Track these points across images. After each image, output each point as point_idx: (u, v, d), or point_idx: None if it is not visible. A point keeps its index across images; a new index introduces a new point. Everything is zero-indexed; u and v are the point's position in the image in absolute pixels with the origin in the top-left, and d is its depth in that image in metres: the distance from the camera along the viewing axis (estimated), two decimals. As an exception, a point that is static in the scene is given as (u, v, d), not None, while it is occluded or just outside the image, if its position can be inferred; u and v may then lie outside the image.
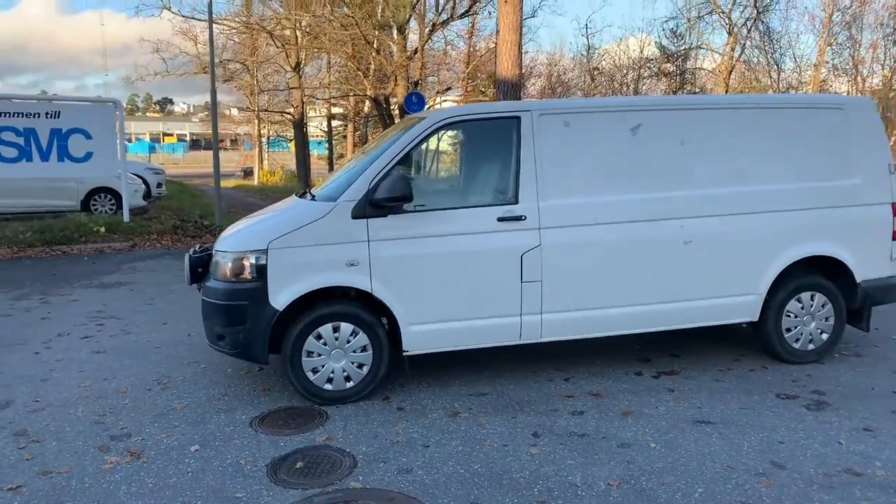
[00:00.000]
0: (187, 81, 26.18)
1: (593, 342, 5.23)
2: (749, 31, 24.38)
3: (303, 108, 27.70)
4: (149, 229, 12.28)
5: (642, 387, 4.68)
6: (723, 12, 24.17)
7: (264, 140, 39.95)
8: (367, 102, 21.10)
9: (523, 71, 28.29)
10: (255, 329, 4.24)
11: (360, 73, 19.38)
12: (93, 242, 11.65)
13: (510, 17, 12.30)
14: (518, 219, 4.47)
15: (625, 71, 25.84)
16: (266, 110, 30.83)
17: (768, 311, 4.99)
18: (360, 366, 4.42)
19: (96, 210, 13.46)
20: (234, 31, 23.49)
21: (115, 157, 12.14)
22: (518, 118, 4.57)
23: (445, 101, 24.74)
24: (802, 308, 5.05)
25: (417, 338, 4.46)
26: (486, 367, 5.04)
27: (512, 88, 12.53)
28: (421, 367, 5.00)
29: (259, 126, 37.61)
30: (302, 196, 4.89)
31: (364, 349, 4.40)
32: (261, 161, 38.26)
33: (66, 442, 3.90)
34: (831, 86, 22.45)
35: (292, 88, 24.90)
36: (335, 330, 4.34)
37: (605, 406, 4.33)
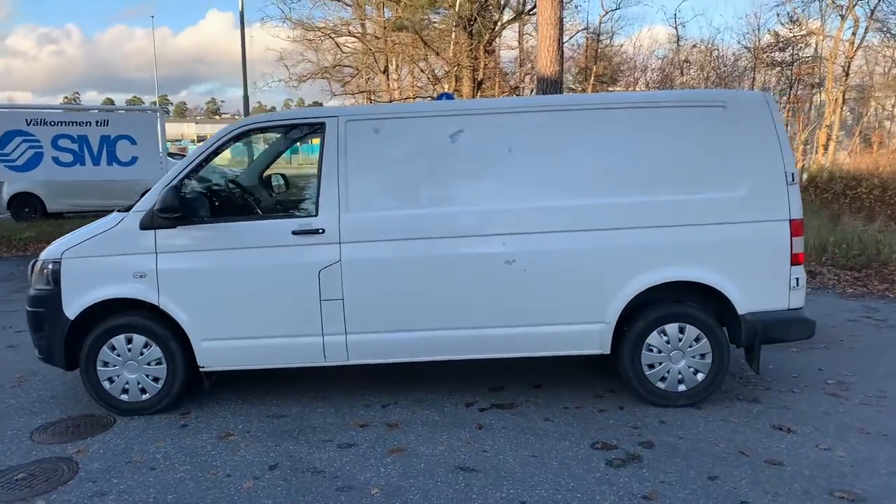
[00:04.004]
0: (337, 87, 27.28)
1: (462, 364, 4.71)
2: (873, 11, 21.48)
3: (390, 110, 28.31)
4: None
5: (455, 420, 4.21)
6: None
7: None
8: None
9: (616, 65, 26.91)
10: (53, 336, 4.31)
11: (423, 74, 19.42)
12: (133, 240, 12.61)
13: (548, 12, 11.72)
14: (315, 232, 4.18)
15: (724, 62, 23.70)
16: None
17: (625, 343, 4.30)
18: (156, 379, 4.35)
19: (150, 210, 14.54)
20: (319, 36, 24.43)
21: (157, 161, 13.02)
22: (323, 125, 4.27)
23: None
24: (668, 342, 4.29)
25: (211, 354, 4.31)
26: (320, 387, 4.79)
27: (552, 86, 11.94)
28: (251, 382, 4.84)
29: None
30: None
31: (159, 362, 4.34)
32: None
33: None
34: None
35: (360, 92, 25.45)
36: (128, 341, 4.31)
37: (385, 440, 3.94)
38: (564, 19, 23.36)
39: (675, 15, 34.06)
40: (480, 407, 4.41)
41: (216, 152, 4.31)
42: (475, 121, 4.26)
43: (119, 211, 4.51)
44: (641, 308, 4.29)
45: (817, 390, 4.58)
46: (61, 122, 12.49)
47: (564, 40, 23.30)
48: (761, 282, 4.22)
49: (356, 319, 4.24)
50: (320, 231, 4.18)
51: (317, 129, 4.31)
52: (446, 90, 19.60)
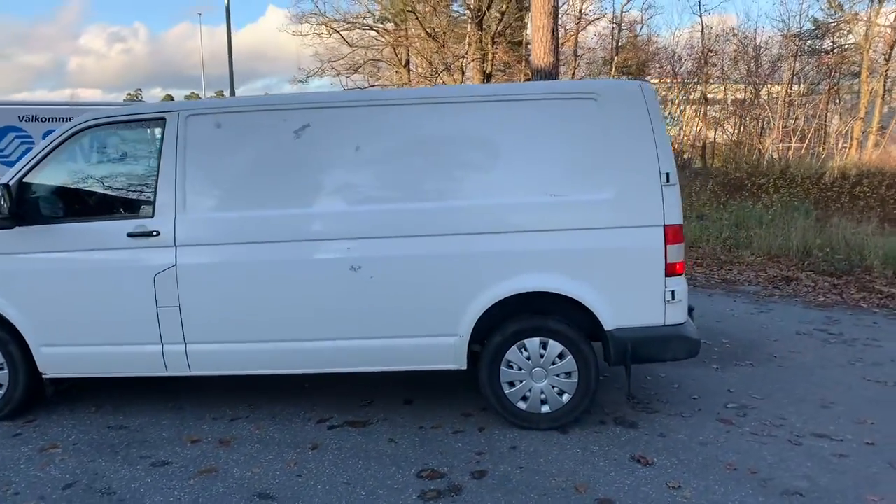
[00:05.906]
0: (375, 79, 27.42)
1: (341, 374, 4.40)
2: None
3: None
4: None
5: (294, 438, 3.91)
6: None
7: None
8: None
9: (646, 58, 25.95)
10: None
11: (432, 67, 19.08)
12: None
13: (541, 0, 11.20)
14: (150, 234, 3.95)
15: (756, 50, 22.49)
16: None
17: (482, 358, 3.92)
18: (-2, 386, 4.21)
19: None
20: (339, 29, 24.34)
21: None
22: (163, 120, 4.03)
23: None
24: (529, 358, 3.88)
25: (51, 361, 4.13)
26: (182, 395, 4.57)
27: (546, 77, 11.41)
28: (114, 390, 4.65)
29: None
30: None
31: (1, 368, 4.19)
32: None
33: None
34: None
35: (372, 85, 25.24)
36: (-33, 347, 4.18)
37: (205, 458, 3.68)
38: (588, 8, 22.63)
39: (699, 2, 31.70)
40: (332, 424, 4.10)
41: (54, 150, 4.10)
42: (322, 115, 3.93)
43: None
44: (490, 320, 3.89)
45: (710, 415, 4.10)
46: (51, 118, 12.64)
47: (581, 29, 22.58)
48: (631, 294, 3.78)
49: (194, 328, 3.99)
50: (155, 233, 3.94)
51: (157, 124, 4.07)
52: (455, 82, 19.27)
